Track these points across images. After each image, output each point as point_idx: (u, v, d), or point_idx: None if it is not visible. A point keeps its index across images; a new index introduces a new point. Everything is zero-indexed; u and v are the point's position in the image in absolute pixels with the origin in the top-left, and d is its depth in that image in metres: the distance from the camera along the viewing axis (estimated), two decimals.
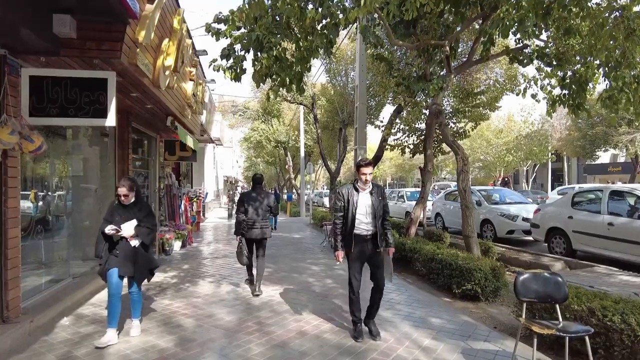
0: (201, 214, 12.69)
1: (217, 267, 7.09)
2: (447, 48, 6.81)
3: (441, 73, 8.19)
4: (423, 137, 9.33)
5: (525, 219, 9.24)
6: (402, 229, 9.97)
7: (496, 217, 10.13)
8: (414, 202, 15.66)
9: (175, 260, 7.71)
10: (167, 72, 5.32)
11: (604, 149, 26.29)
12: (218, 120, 13.68)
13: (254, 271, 5.56)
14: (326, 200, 29.71)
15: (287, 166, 24.61)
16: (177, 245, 8.70)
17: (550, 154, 31.07)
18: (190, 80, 7.74)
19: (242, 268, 5.91)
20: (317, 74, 15.89)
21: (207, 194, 16.11)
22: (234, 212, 18.80)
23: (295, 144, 23.56)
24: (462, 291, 5.10)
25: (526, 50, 6.83)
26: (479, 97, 9.09)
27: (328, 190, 37.55)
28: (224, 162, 37.12)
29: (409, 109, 9.34)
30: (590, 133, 25.17)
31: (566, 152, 30.16)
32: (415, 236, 8.50)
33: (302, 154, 20.97)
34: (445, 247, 6.69)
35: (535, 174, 35.59)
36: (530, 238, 9.08)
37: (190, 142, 7.96)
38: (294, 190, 25.96)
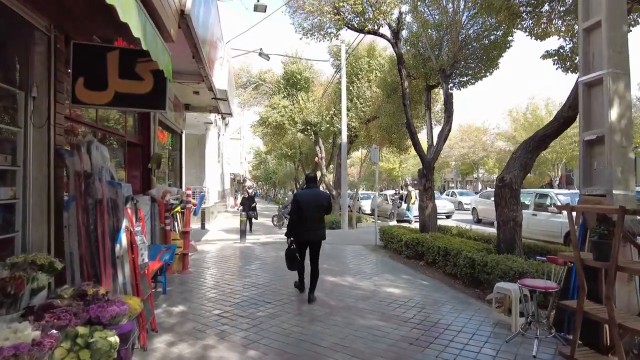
0: (190, 239, 6.29)
1: None
2: None
3: None
4: None
5: None
6: None
7: None
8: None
9: None
10: None
11: None
12: (225, 58, 7.31)
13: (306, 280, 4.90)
14: (367, 205, 22.73)
15: (317, 158, 18.15)
16: None
17: None
18: None
19: None
20: None
21: (202, 196, 9.75)
22: (247, 221, 12.34)
23: (329, 127, 17.10)
24: None
25: None
26: None
27: (373, 192, 29.72)
28: (230, 157, 30.86)
29: None
30: None
31: None
32: None
33: (344, 138, 14.56)
34: None
35: None
36: None
37: (138, 28, 1.63)
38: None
